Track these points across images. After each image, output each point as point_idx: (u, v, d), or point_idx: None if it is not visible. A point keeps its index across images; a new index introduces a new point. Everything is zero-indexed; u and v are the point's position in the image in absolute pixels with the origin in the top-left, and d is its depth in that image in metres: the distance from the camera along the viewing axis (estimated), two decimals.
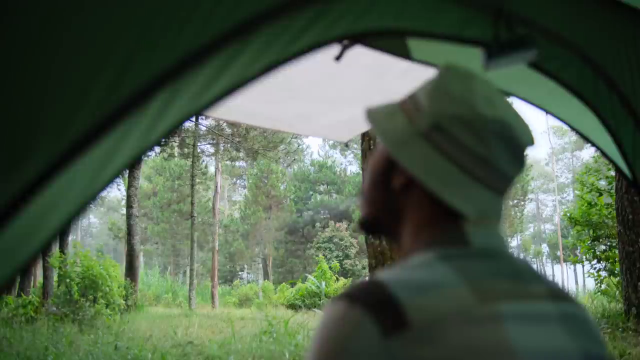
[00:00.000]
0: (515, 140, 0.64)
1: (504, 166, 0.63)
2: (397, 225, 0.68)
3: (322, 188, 35.77)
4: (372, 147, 4.90)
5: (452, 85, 0.65)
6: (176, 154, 19.55)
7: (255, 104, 2.19)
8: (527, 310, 0.57)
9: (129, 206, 13.97)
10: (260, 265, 34.31)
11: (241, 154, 20.41)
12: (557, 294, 0.62)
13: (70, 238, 13.84)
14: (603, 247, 8.04)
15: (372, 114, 0.72)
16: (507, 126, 0.63)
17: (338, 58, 1.30)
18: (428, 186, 0.63)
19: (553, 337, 0.57)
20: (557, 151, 46.81)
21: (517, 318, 0.55)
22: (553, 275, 34.71)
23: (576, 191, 9.71)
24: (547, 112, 1.70)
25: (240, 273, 36.54)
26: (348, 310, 0.54)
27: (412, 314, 0.52)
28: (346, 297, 0.55)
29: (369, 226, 0.74)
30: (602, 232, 7.85)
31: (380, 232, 0.74)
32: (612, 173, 7.35)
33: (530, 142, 0.65)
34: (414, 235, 0.66)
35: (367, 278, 0.61)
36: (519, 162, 0.65)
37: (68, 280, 9.55)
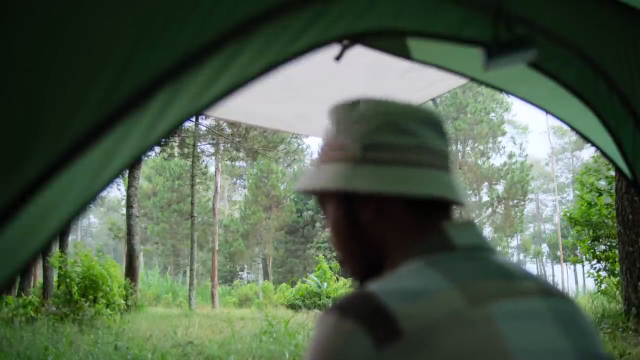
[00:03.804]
0: (434, 119, 0.69)
1: (437, 145, 0.68)
2: (382, 254, 0.68)
3: None
4: None
5: (358, 111, 0.69)
6: (176, 154, 19.53)
7: (255, 104, 2.19)
8: (519, 308, 0.57)
9: (129, 206, 13.95)
10: (260, 265, 34.30)
11: (241, 154, 20.39)
12: (548, 290, 0.62)
13: (70, 238, 13.83)
14: (603, 247, 8.02)
15: (305, 187, 0.71)
16: (422, 111, 0.68)
17: (338, 58, 1.30)
18: (399, 195, 0.64)
19: (547, 335, 0.57)
20: (557, 151, 46.76)
21: (510, 317, 0.55)
22: (553, 275, 34.66)
23: (576, 191, 9.70)
24: (547, 112, 1.70)
25: (240, 273, 36.54)
26: (339, 322, 0.54)
27: (404, 323, 0.52)
28: (337, 310, 0.55)
29: (366, 275, 0.70)
30: (602, 232, 7.83)
31: (375, 272, 0.68)
32: (612, 173, 7.34)
33: (440, 118, 0.71)
34: (398, 251, 0.66)
35: (357, 289, 0.61)
36: (444, 136, 0.70)
37: (68, 280, 9.53)
